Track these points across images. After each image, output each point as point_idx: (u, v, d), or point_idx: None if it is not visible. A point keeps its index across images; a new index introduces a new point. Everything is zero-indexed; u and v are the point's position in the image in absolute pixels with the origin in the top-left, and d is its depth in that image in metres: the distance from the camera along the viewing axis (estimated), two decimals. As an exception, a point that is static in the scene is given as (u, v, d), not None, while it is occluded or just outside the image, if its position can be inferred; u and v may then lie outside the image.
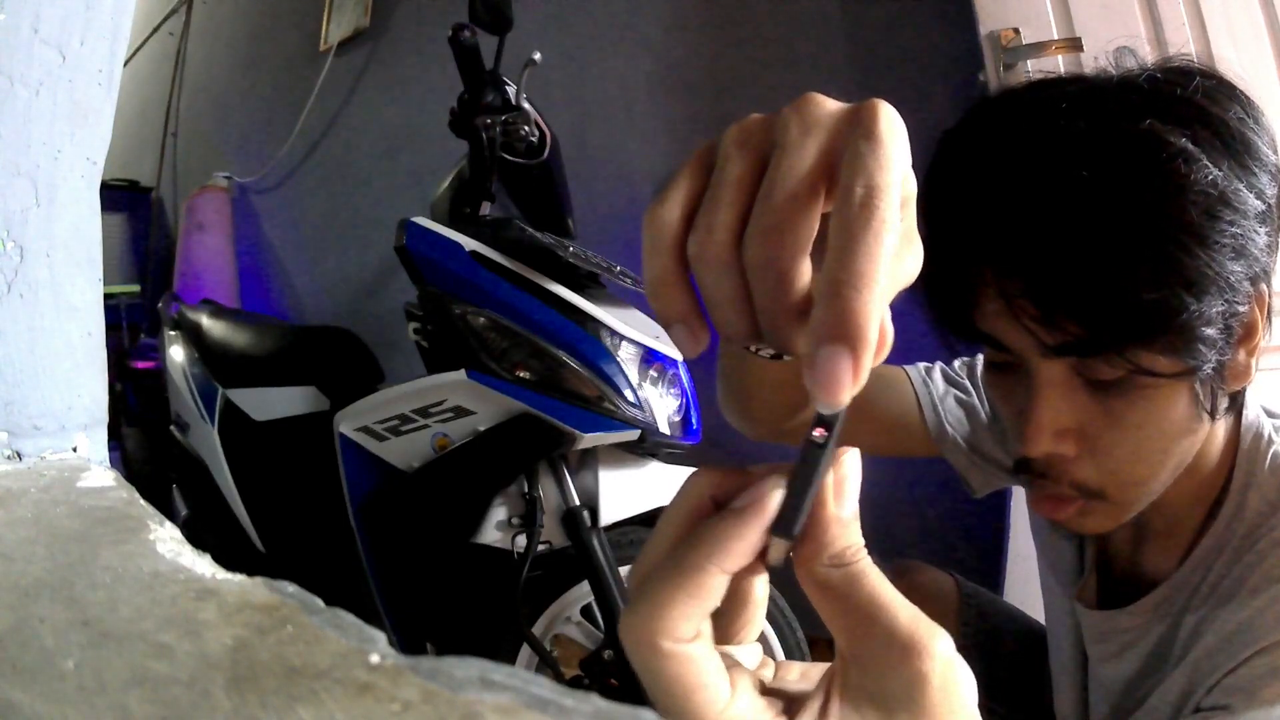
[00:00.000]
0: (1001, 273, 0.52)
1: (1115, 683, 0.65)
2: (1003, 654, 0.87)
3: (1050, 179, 0.49)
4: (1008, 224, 0.51)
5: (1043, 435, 0.53)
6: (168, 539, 0.36)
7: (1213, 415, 0.55)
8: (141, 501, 0.41)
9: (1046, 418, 0.53)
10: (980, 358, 0.82)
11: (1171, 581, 0.61)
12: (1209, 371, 0.51)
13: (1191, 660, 0.57)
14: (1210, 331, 0.49)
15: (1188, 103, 0.49)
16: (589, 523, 1.21)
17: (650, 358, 1.25)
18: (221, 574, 0.32)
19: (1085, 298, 0.49)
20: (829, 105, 0.27)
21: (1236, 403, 0.58)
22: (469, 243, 1.22)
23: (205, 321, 1.78)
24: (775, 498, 0.26)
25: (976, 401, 0.79)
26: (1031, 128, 0.52)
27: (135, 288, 3.54)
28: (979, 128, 0.56)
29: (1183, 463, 0.56)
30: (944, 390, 0.80)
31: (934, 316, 0.59)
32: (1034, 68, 1.32)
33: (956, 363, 0.83)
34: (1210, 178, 0.47)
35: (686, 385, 1.30)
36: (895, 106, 0.27)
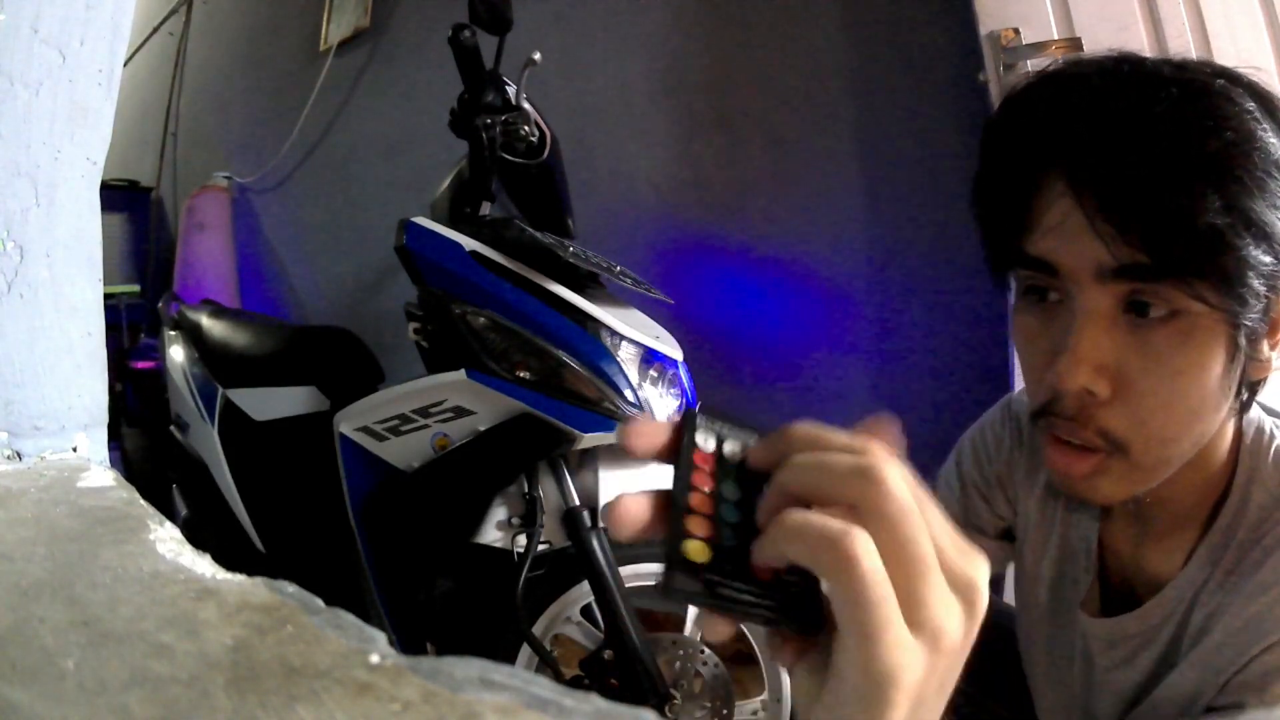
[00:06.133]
0: (1077, 182, 0.52)
1: (1126, 688, 0.65)
2: (1004, 655, 0.87)
3: (1136, 97, 0.50)
4: (1092, 131, 0.51)
5: (1081, 367, 0.52)
6: (168, 539, 0.36)
7: (1237, 395, 0.55)
8: (141, 501, 0.41)
9: (1087, 348, 0.52)
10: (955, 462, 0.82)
11: (1177, 581, 0.61)
12: (1244, 337, 0.52)
13: (1198, 656, 0.57)
14: (1257, 284, 0.50)
15: (1249, 87, 0.52)
16: (589, 523, 1.21)
17: (650, 357, 1.25)
18: (221, 574, 0.32)
19: (1159, 215, 0.49)
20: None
21: (1249, 400, 0.58)
22: (469, 243, 1.22)
23: (205, 321, 1.78)
24: None
25: (950, 493, 0.80)
26: (1115, 65, 0.53)
27: (135, 288, 3.54)
28: (1060, 69, 0.57)
29: (1201, 439, 0.56)
30: None
31: (984, 232, 0.60)
32: (1034, 68, 1.31)
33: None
34: (1273, 142, 0.49)
35: (686, 385, 1.30)
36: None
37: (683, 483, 0.33)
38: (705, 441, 0.35)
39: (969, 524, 0.79)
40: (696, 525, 0.32)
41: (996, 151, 0.59)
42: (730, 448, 0.35)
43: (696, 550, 0.31)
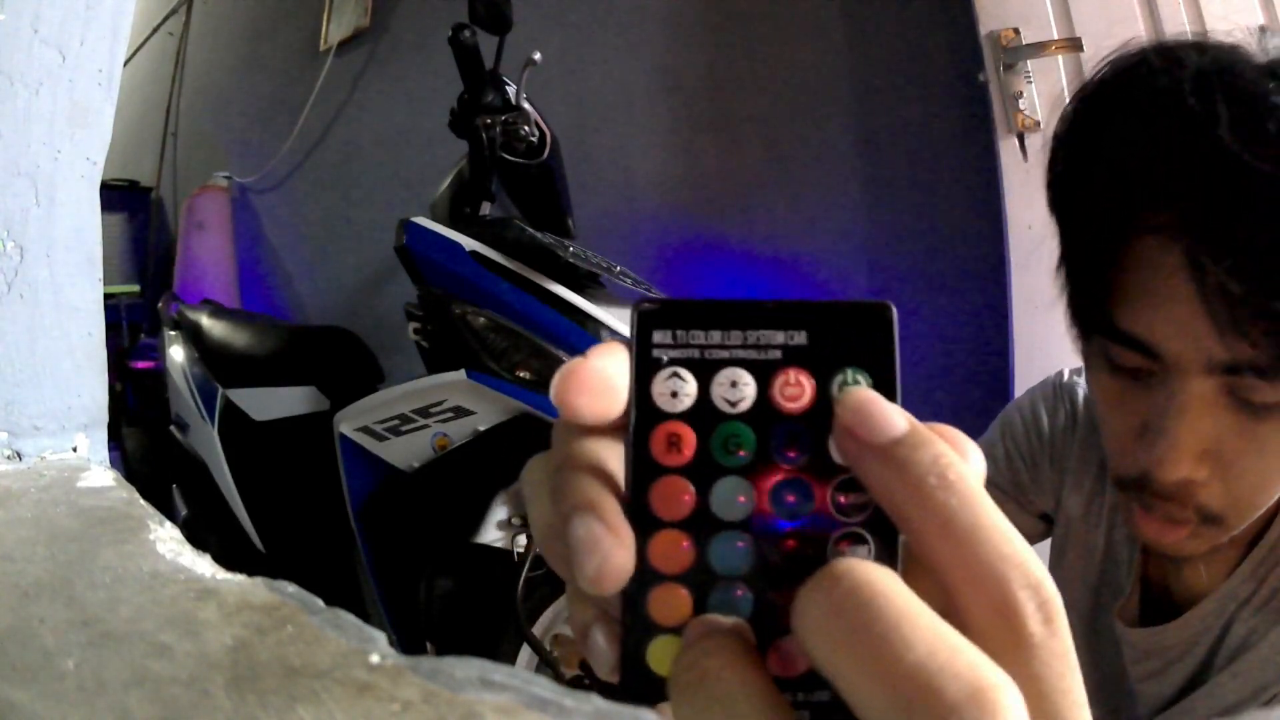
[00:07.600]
0: (1199, 261, 0.43)
1: (1157, 699, 0.64)
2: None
3: (1247, 134, 0.42)
4: (1221, 195, 0.42)
5: (1185, 458, 0.47)
6: (168, 539, 0.36)
7: None
8: (141, 501, 0.41)
9: (1188, 439, 0.47)
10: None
11: (1218, 594, 0.59)
12: None
13: (1241, 669, 0.56)
14: None
15: None
16: (589, 523, 1.21)
17: (650, 358, 1.25)
18: (221, 574, 0.32)
19: None
20: None
21: None
22: (469, 243, 1.22)
23: (205, 321, 1.78)
24: None
25: (991, 463, 0.74)
26: (1224, 79, 0.44)
27: (135, 288, 3.54)
28: (1148, 74, 0.47)
29: None
30: None
31: (1073, 297, 0.53)
32: (1034, 68, 1.31)
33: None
34: None
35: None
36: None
37: (639, 511, 0.18)
38: (672, 388, 0.18)
39: (1011, 495, 0.75)
40: (665, 602, 0.18)
41: (1077, 183, 0.51)
42: (725, 386, 0.18)
43: (663, 657, 0.19)
